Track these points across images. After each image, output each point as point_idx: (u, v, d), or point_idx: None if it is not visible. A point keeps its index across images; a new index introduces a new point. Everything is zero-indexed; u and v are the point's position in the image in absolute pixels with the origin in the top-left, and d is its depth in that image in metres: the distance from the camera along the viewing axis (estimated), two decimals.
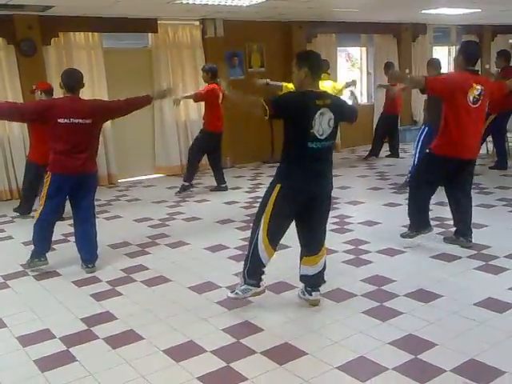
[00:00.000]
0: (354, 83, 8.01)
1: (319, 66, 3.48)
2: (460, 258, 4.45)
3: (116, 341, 3.29)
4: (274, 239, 3.50)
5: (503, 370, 2.76)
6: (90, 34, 8.11)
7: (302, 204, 3.45)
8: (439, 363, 2.86)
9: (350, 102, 3.84)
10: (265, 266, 3.57)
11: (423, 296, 3.72)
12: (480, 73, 10.13)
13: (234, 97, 3.63)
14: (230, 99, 3.66)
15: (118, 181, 8.59)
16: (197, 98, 7.26)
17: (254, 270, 3.56)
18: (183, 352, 3.12)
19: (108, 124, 7.72)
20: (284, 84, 7.30)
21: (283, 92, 6.95)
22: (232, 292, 3.65)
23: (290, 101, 3.41)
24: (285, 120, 3.38)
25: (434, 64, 6.76)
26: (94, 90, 8.04)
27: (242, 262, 3.67)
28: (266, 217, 3.44)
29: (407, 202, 4.86)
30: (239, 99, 3.62)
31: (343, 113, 3.51)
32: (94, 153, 4.54)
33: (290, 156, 3.43)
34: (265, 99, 3.32)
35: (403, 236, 4.79)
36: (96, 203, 4.81)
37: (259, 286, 3.61)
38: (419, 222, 4.73)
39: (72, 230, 4.91)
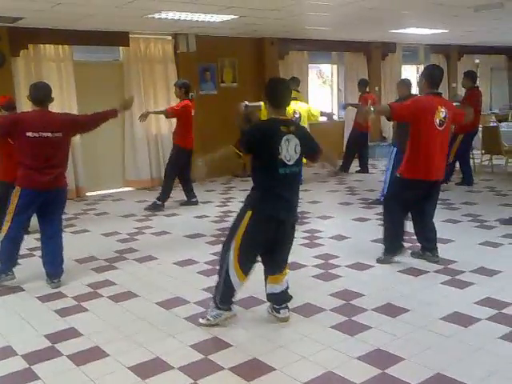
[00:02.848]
0: (329, 116, 8.21)
1: (279, 98, 3.46)
2: (427, 272, 4.51)
3: (80, 358, 3.21)
4: (246, 265, 3.49)
5: None
6: (60, 46, 8.04)
7: (272, 230, 3.45)
8: (406, 378, 2.87)
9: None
10: (236, 292, 3.55)
11: (391, 310, 3.75)
12: (447, 91, 10.37)
13: (209, 164, 3.55)
14: (204, 168, 3.56)
15: (87, 194, 8.47)
16: (169, 114, 7.21)
17: (226, 295, 3.53)
18: (149, 369, 3.06)
19: (77, 136, 7.62)
20: (263, 104, 7.33)
21: (262, 111, 6.95)
22: (203, 319, 3.60)
23: (255, 133, 3.43)
24: (255, 151, 3.39)
25: (405, 84, 6.91)
26: (64, 102, 7.95)
27: (212, 277, 3.66)
28: (237, 243, 3.43)
29: (382, 226, 4.86)
30: (214, 161, 3.58)
31: (307, 144, 3.51)
32: (65, 167, 4.46)
33: (260, 182, 3.45)
34: (234, 145, 3.37)
35: (378, 261, 4.77)
36: (63, 217, 4.71)
37: (231, 310, 3.58)
38: (394, 246, 4.75)
39: (37, 244, 4.80)
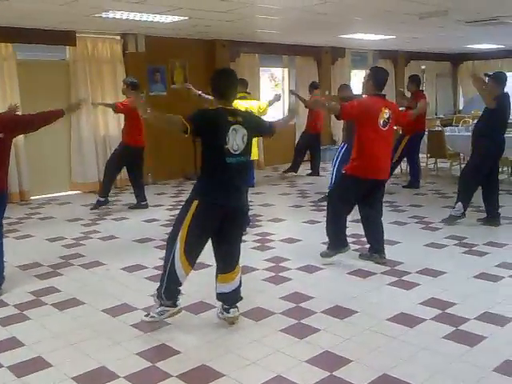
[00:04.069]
0: (276, 98, 8.05)
1: (225, 89, 3.48)
2: (374, 274, 4.59)
3: (21, 369, 3.09)
4: (192, 256, 3.46)
5: None
6: (2, 44, 7.72)
7: (219, 219, 3.44)
8: (353, 379, 2.90)
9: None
10: (181, 285, 3.50)
11: (339, 312, 3.79)
12: (395, 95, 10.66)
13: (152, 117, 3.54)
14: (149, 120, 3.58)
15: (31, 197, 8.16)
16: (118, 109, 7.07)
17: (170, 289, 3.48)
18: (94, 379, 2.97)
19: (21, 137, 7.36)
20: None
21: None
22: (147, 316, 3.54)
23: (203, 117, 3.43)
24: (202, 136, 3.39)
25: (347, 87, 7.65)
26: (6, 104, 7.61)
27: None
28: (183, 233, 3.39)
29: (326, 221, 4.94)
30: (158, 119, 3.59)
31: (257, 128, 3.58)
32: (6, 170, 4.27)
33: (207, 172, 3.45)
34: (184, 117, 3.31)
35: (322, 255, 4.86)
36: (5, 221, 4.54)
37: (176, 306, 3.53)
38: (338, 241, 4.83)
39: None
